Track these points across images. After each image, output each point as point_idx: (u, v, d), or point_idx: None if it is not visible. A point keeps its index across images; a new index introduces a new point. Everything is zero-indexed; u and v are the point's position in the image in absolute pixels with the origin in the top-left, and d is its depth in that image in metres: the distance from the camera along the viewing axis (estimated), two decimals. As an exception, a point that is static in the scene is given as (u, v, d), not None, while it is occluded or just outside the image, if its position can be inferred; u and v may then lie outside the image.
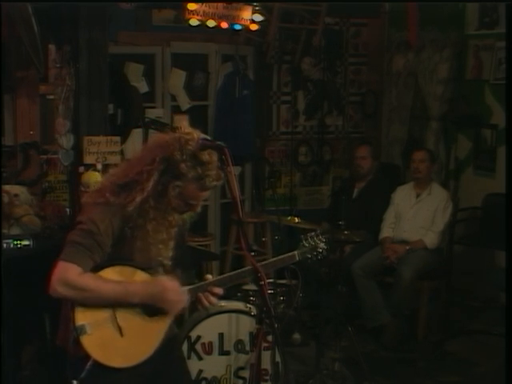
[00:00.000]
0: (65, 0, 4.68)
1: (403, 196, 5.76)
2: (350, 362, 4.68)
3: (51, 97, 4.98)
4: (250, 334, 3.90)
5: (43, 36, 4.47)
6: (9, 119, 4.78)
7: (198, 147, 2.65)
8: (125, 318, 2.67)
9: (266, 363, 3.82)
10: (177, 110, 6.24)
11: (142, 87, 6.00)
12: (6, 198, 4.31)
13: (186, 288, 2.78)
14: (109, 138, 4.97)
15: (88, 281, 2.58)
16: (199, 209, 2.79)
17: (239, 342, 3.92)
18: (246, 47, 6.48)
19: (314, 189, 7.06)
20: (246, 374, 3.92)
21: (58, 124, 4.99)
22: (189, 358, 3.81)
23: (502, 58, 5.75)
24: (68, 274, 2.55)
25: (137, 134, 5.51)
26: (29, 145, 4.82)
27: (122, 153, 5.16)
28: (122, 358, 2.66)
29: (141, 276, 2.70)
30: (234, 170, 2.74)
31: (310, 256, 3.23)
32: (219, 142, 2.76)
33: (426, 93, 6.51)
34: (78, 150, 4.99)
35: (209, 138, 2.85)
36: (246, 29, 5.82)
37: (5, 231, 4.13)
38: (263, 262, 2.98)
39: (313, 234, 3.26)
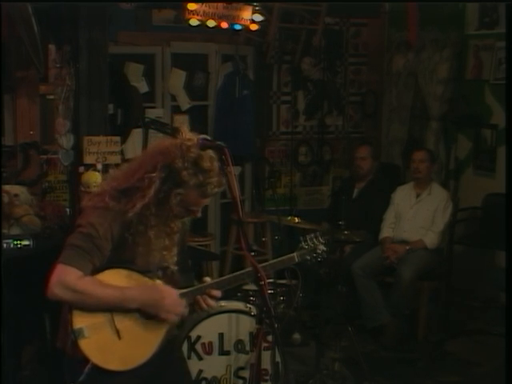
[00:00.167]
0: (65, 0, 4.68)
1: (403, 196, 5.76)
2: (350, 361, 4.68)
3: (51, 97, 4.98)
4: (250, 334, 3.89)
5: (43, 36, 4.47)
6: (9, 119, 4.78)
7: (199, 153, 2.64)
8: (122, 321, 2.66)
9: (266, 363, 3.81)
10: (177, 109, 6.24)
11: (142, 87, 6.00)
12: (6, 198, 4.30)
13: (185, 291, 2.77)
14: (109, 137, 4.97)
15: (86, 284, 2.57)
16: (200, 214, 2.79)
17: (239, 341, 3.92)
18: (246, 47, 6.48)
19: (313, 189, 7.06)
20: (246, 374, 3.91)
21: (58, 124, 4.99)
22: (189, 358, 3.81)
23: (502, 57, 5.75)
24: (66, 277, 2.55)
25: (137, 134, 5.51)
26: (29, 145, 4.82)
27: (122, 153, 5.16)
28: (120, 361, 2.66)
29: (138, 279, 2.70)
30: (234, 170, 2.74)
31: (309, 258, 3.22)
32: (219, 142, 2.76)
33: (426, 93, 6.51)
34: (77, 150, 4.99)
35: (209, 137, 2.85)
36: (246, 29, 5.82)
37: (5, 231, 4.13)
38: (262, 264, 2.97)
39: (312, 235, 3.25)
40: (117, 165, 4.77)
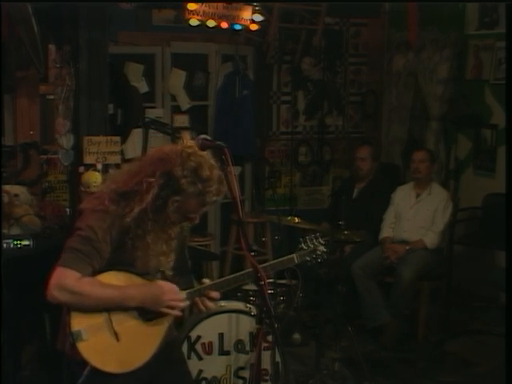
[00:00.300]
0: (65, 0, 4.68)
1: (403, 196, 5.76)
2: (349, 362, 4.68)
3: (51, 97, 4.98)
4: (250, 334, 3.90)
5: (43, 36, 4.48)
6: (9, 119, 4.78)
7: (199, 162, 2.62)
8: (121, 323, 2.66)
9: (266, 363, 3.81)
10: (177, 109, 6.25)
11: (142, 87, 6.00)
12: (6, 198, 4.30)
13: (184, 292, 2.77)
14: (109, 137, 4.97)
15: (85, 286, 2.57)
16: (197, 220, 2.78)
17: (239, 341, 3.92)
18: (246, 47, 6.48)
19: (313, 189, 7.06)
20: (246, 374, 3.91)
21: (58, 124, 4.99)
22: (189, 358, 3.81)
23: (502, 58, 5.75)
24: (66, 280, 2.55)
25: (137, 134, 5.50)
26: (29, 145, 4.81)
27: (122, 153, 5.16)
28: (118, 363, 2.66)
29: (137, 281, 2.70)
30: (234, 170, 2.74)
31: (309, 259, 3.21)
32: (219, 142, 2.76)
33: (426, 93, 6.51)
34: (77, 150, 4.99)
35: (209, 137, 2.85)
36: (246, 29, 5.82)
37: (5, 231, 4.13)
38: (262, 265, 2.95)
39: (312, 236, 3.23)
40: (117, 165, 4.77)
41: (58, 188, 5.06)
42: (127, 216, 2.60)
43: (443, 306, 5.68)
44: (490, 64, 5.93)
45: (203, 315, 3.82)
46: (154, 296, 2.66)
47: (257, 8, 5.75)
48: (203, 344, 3.89)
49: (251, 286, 4.34)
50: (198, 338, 3.88)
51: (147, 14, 5.99)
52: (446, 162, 6.45)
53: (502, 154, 5.74)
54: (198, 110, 6.38)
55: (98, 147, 4.89)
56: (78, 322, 2.60)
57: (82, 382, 2.60)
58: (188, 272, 2.97)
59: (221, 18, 5.59)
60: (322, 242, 3.23)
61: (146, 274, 2.72)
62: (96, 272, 2.62)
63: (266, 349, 3.76)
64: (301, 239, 3.23)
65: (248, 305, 4.00)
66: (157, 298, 2.67)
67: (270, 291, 4.24)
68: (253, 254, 3.53)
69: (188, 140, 2.72)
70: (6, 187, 4.40)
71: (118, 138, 5.01)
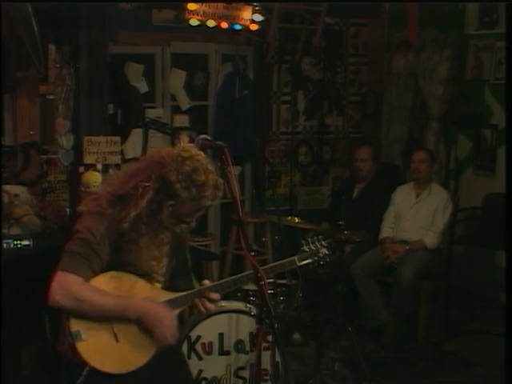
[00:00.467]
0: (65, 0, 4.68)
1: (403, 196, 5.76)
2: (349, 362, 4.67)
3: (51, 97, 4.98)
4: (250, 334, 3.89)
5: (43, 36, 4.48)
6: (9, 119, 4.78)
7: (194, 166, 2.61)
8: (120, 323, 2.66)
9: (266, 363, 3.81)
10: (177, 109, 6.24)
11: (142, 87, 6.00)
12: (6, 198, 4.30)
13: (184, 294, 2.76)
14: (109, 137, 4.98)
15: (87, 292, 2.57)
16: (194, 224, 2.77)
17: (239, 342, 3.92)
18: (246, 47, 6.47)
19: (313, 189, 7.06)
20: (246, 374, 3.91)
21: (58, 124, 4.99)
22: (189, 358, 3.81)
23: (502, 57, 5.75)
24: (68, 284, 2.55)
25: (137, 134, 5.51)
26: (29, 145, 4.82)
27: (122, 153, 5.16)
28: (118, 363, 2.65)
29: (137, 282, 2.70)
30: (234, 170, 2.74)
31: (310, 261, 3.17)
32: (219, 142, 2.75)
33: (426, 93, 6.51)
34: (77, 150, 4.99)
35: (209, 137, 2.85)
36: (246, 29, 5.82)
37: (5, 231, 4.13)
38: (262, 267, 2.92)
39: (314, 238, 3.20)
40: (117, 165, 4.78)
41: (57, 188, 5.07)
42: (124, 221, 2.60)
43: (443, 306, 5.68)
44: (490, 64, 5.93)
45: (203, 315, 3.83)
46: (151, 318, 2.64)
47: (257, 8, 5.76)
48: (203, 344, 3.89)
49: (251, 286, 4.34)
50: (198, 338, 3.88)
51: (147, 14, 5.99)
52: (446, 162, 6.45)
53: (502, 154, 5.74)
54: (198, 110, 6.38)
55: (98, 147, 4.89)
56: (78, 322, 2.60)
57: (81, 383, 2.60)
58: (188, 273, 2.97)
59: (221, 18, 5.59)
60: (324, 244, 3.19)
61: (145, 275, 2.71)
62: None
63: (266, 349, 3.76)
64: (303, 241, 3.20)
65: (248, 305, 4.00)
66: (153, 321, 2.64)
67: (269, 291, 4.25)
68: (253, 254, 3.53)
69: (186, 143, 2.71)
70: (6, 187, 4.40)
71: (118, 138, 5.01)
